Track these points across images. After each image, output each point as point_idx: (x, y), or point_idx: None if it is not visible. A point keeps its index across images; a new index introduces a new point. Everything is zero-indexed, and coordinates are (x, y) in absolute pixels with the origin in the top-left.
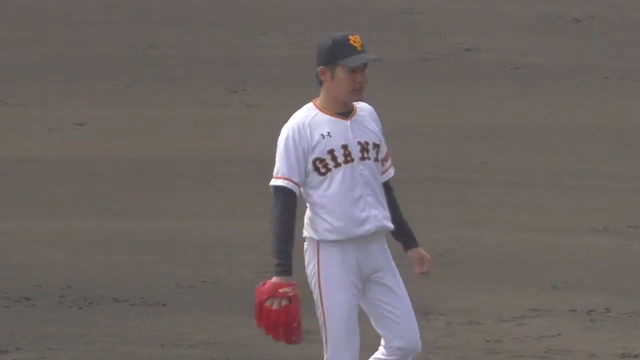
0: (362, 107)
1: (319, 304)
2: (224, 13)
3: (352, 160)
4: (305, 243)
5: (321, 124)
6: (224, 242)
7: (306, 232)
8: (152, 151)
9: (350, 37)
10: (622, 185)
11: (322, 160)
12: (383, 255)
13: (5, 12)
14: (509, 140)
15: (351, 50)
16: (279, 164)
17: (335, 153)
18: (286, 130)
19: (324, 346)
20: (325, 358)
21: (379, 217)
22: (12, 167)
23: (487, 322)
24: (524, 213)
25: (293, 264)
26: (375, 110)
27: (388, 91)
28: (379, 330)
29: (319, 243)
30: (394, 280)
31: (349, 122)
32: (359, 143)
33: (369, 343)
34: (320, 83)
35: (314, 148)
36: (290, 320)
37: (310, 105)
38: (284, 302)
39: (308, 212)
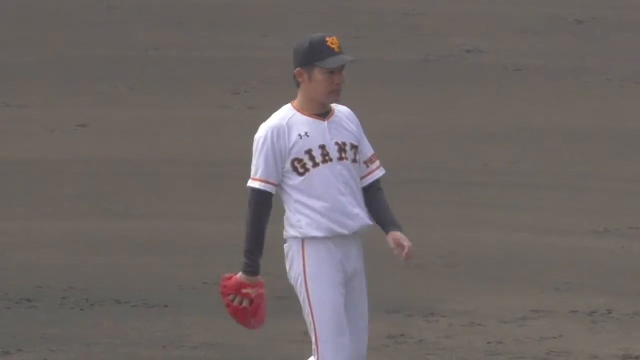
0: (340, 109)
1: (306, 304)
2: (225, 14)
3: (331, 160)
4: (285, 245)
5: (299, 124)
6: (225, 242)
7: (287, 233)
8: (153, 152)
9: (327, 38)
10: (623, 187)
11: (300, 160)
12: (359, 261)
13: (6, 12)
14: (510, 141)
15: (329, 51)
16: (257, 164)
17: (313, 153)
18: (264, 130)
19: (314, 348)
20: None
21: (361, 215)
22: (12, 168)
23: (489, 324)
24: (525, 214)
25: (261, 265)
26: (376, 110)
27: (389, 92)
28: None
29: (303, 241)
30: (361, 292)
31: (326, 122)
32: (337, 143)
33: (369, 343)
34: (298, 84)
35: (291, 148)
36: (246, 319)
37: (288, 106)
38: (244, 303)
39: (288, 213)
